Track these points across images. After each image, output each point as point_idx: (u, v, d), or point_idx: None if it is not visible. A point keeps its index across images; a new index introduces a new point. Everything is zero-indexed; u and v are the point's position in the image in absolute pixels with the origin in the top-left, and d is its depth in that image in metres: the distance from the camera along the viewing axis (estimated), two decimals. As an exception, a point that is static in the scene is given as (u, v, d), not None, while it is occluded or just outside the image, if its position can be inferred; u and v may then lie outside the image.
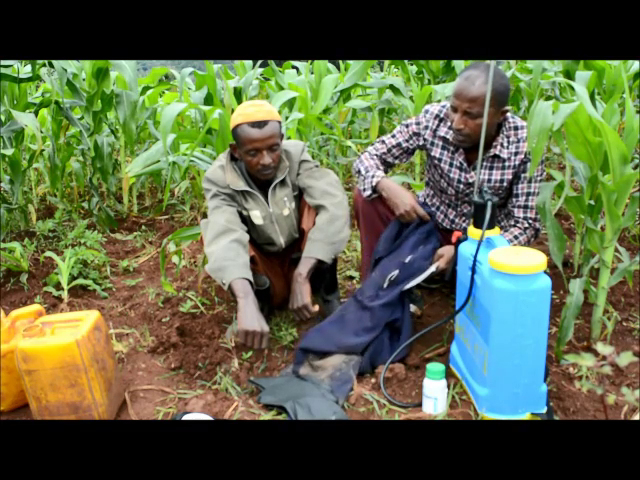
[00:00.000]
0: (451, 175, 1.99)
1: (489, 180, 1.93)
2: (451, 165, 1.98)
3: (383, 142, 2.07)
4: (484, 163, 1.92)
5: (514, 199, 1.94)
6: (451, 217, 2.10)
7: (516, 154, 1.89)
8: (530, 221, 1.93)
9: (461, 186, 1.99)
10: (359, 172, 2.03)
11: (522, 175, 1.90)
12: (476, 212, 1.57)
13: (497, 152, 1.89)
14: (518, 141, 1.88)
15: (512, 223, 1.96)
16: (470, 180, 1.95)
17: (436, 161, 2.01)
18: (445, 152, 1.98)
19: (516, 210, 1.94)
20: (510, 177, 1.92)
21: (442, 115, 1.97)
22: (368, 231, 2.05)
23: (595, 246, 1.79)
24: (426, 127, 1.99)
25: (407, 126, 2.04)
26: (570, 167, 2.17)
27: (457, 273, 1.67)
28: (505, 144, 1.89)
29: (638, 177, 1.62)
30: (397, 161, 2.08)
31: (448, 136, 1.94)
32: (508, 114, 1.89)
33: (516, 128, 1.89)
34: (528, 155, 1.86)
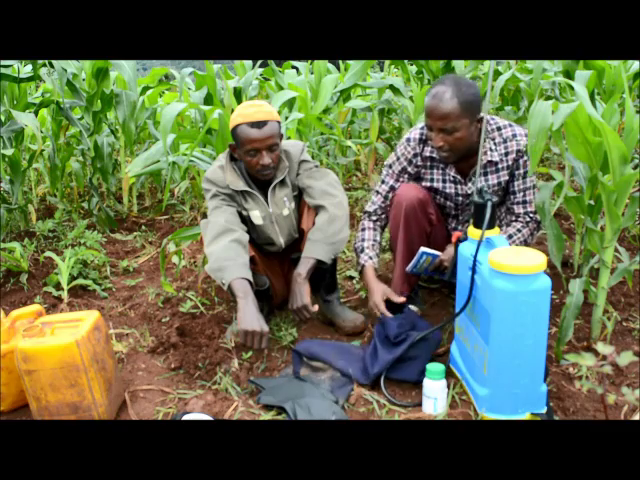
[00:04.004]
0: (447, 191, 1.98)
1: (488, 186, 1.93)
2: (445, 182, 1.97)
3: (377, 193, 2.05)
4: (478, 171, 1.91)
5: (512, 196, 1.95)
6: (452, 225, 2.09)
7: (507, 154, 1.88)
8: (531, 215, 1.94)
9: (460, 198, 1.99)
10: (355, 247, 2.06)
11: (516, 172, 1.90)
12: (476, 212, 1.57)
13: (489, 158, 1.88)
14: (505, 141, 1.88)
15: (513, 219, 1.97)
16: (468, 191, 1.95)
17: (428, 183, 2.00)
18: (435, 171, 1.97)
19: (516, 207, 1.95)
20: (507, 178, 1.92)
21: (424, 138, 1.96)
22: (407, 239, 1.94)
23: (595, 246, 1.80)
24: (415, 155, 1.97)
25: (391, 167, 2.02)
26: (570, 167, 2.17)
27: (457, 273, 1.67)
28: (493, 147, 1.88)
29: (638, 177, 1.62)
30: None
31: (434, 155, 1.94)
32: (487, 116, 1.88)
33: (499, 128, 1.89)
34: (519, 153, 1.86)
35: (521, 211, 1.94)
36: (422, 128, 1.98)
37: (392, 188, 2.02)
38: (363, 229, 2.05)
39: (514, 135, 1.87)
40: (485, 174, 1.92)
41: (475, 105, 1.77)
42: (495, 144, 1.89)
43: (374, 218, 2.05)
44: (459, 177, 1.94)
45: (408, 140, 1.99)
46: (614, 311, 2.01)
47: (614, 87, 2.63)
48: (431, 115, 1.76)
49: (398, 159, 2.00)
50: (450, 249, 1.92)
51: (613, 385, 1.67)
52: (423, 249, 1.87)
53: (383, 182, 2.05)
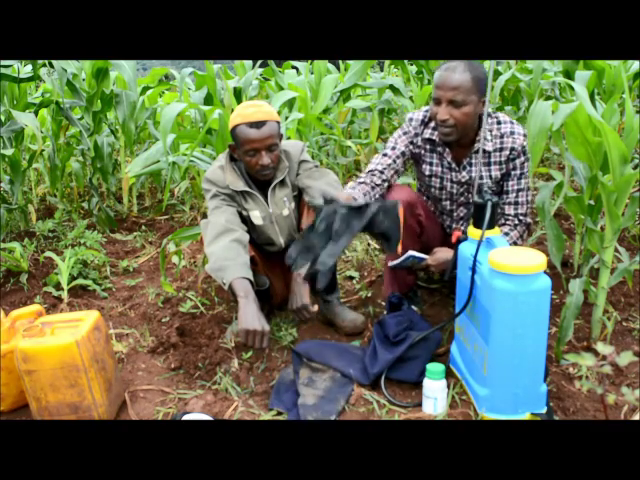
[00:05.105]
0: (444, 176, 1.98)
1: (481, 177, 1.91)
2: (442, 167, 1.97)
3: (385, 155, 1.99)
4: (471, 160, 1.92)
5: (504, 196, 1.94)
6: (447, 222, 2.09)
7: (501, 150, 1.87)
8: (520, 217, 1.93)
9: (455, 186, 1.98)
10: None
11: (512, 172, 1.89)
12: (476, 212, 1.57)
13: (482, 145, 1.86)
14: (502, 136, 1.86)
15: (502, 222, 1.95)
16: (462, 179, 1.94)
17: (427, 166, 1.99)
18: (434, 155, 1.97)
19: (507, 207, 1.94)
20: (497, 174, 1.90)
21: (426, 120, 1.96)
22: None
23: (595, 246, 1.80)
24: (416, 135, 1.97)
25: (399, 137, 2.00)
26: (570, 167, 2.17)
27: (457, 273, 1.67)
28: (488, 137, 1.88)
29: (638, 177, 1.62)
30: (403, 169, 2.02)
31: (434, 137, 1.93)
32: (490, 109, 1.89)
33: (499, 122, 1.88)
34: (513, 152, 1.85)
35: (511, 212, 1.92)
36: (426, 111, 1.97)
37: (403, 154, 1.98)
38: (361, 182, 1.91)
39: (512, 132, 1.86)
40: (477, 163, 1.92)
41: (483, 84, 1.79)
42: (491, 135, 1.88)
43: (377, 180, 1.92)
44: (454, 164, 1.94)
45: (410, 119, 1.99)
46: (614, 311, 2.01)
47: (614, 87, 2.63)
48: (442, 86, 1.76)
49: (405, 133, 2.00)
50: (438, 254, 1.90)
51: (613, 385, 1.67)
52: (411, 252, 1.86)
53: (393, 148, 1.99)
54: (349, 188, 1.91)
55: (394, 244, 1.60)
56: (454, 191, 1.99)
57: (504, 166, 1.89)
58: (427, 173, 2.00)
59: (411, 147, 1.99)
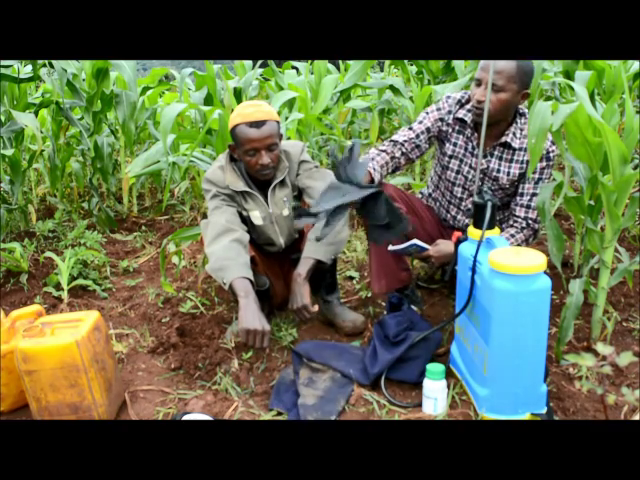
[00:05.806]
0: (465, 159, 1.99)
1: (498, 170, 1.94)
2: (465, 150, 1.99)
3: (410, 129, 2.04)
4: (494, 151, 1.93)
5: (518, 197, 1.95)
6: (452, 213, 2.10)
7: (526, 150, 1.90)
8: (529, 221, 1.93)
9: (472, 172, 1.99)
10: None
11: (531, 175, 1.90)
12: (476, 212, 1.57)
13: (508, 140, 1.90)
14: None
15: (510, 223, 1.96)
16: (480, 166, 1.95)
17: (451, 146, 2.00)
18: (460, 136, 1.99)
19: (518, 209, 1.95)
20: (516, 172, 1.93)
21: (463, 101, 1.99)
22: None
23: (595, 246, 1.79)
24: (449, 112, 2.00)
25: (430, 112, 2.04)
26: (570, 167, 2.17)
27: (457, 273, 1.67)
28: (518, 134, 1.90)
29: (638, 177, 1.62)
30: (426, 145, 2.04)
31: (466, 118, 1.95)
32: (526, 110, 1.91)
33: None
34: None
35: (522, 215, 1.94)
36: (465, 93, 2.01)
37: (428, 130, 2.01)
38: (383, 150, 1.99)
39: None
40: (500, 158, 1.94)
41: (528, 78, 1.80)
42: (521, 134, 1.90)
43: (396, 152, 1.99)
44: (477, 150, 1.96)
45: (448, 97, 2.02)
46: (614, 311, 2.01)
47: (614, 87, 2.63)
48: (486, 68, 1.78)
49: (438, 109, 2.02)
50: (441, 246, 1.91)
51: (613, 385, 1.67)
52: (415, 240, 1.87)
53: (420, 122, 2.03)
54: (370, 155, 1.96)
55: (398, 231, 1.59)
56: (469, 176, 2.01)
57: (524, 166, 1.91)
58: (449, 153, 2.02)
59: (439, 124, 2.01)
